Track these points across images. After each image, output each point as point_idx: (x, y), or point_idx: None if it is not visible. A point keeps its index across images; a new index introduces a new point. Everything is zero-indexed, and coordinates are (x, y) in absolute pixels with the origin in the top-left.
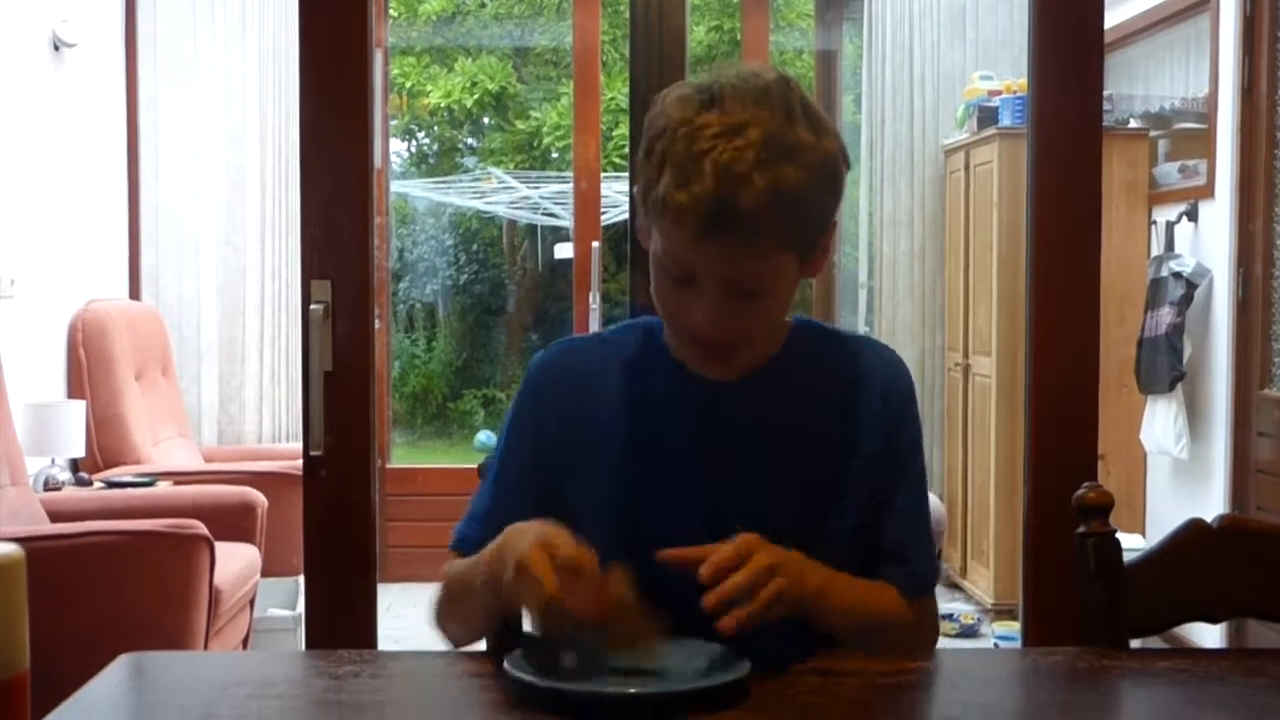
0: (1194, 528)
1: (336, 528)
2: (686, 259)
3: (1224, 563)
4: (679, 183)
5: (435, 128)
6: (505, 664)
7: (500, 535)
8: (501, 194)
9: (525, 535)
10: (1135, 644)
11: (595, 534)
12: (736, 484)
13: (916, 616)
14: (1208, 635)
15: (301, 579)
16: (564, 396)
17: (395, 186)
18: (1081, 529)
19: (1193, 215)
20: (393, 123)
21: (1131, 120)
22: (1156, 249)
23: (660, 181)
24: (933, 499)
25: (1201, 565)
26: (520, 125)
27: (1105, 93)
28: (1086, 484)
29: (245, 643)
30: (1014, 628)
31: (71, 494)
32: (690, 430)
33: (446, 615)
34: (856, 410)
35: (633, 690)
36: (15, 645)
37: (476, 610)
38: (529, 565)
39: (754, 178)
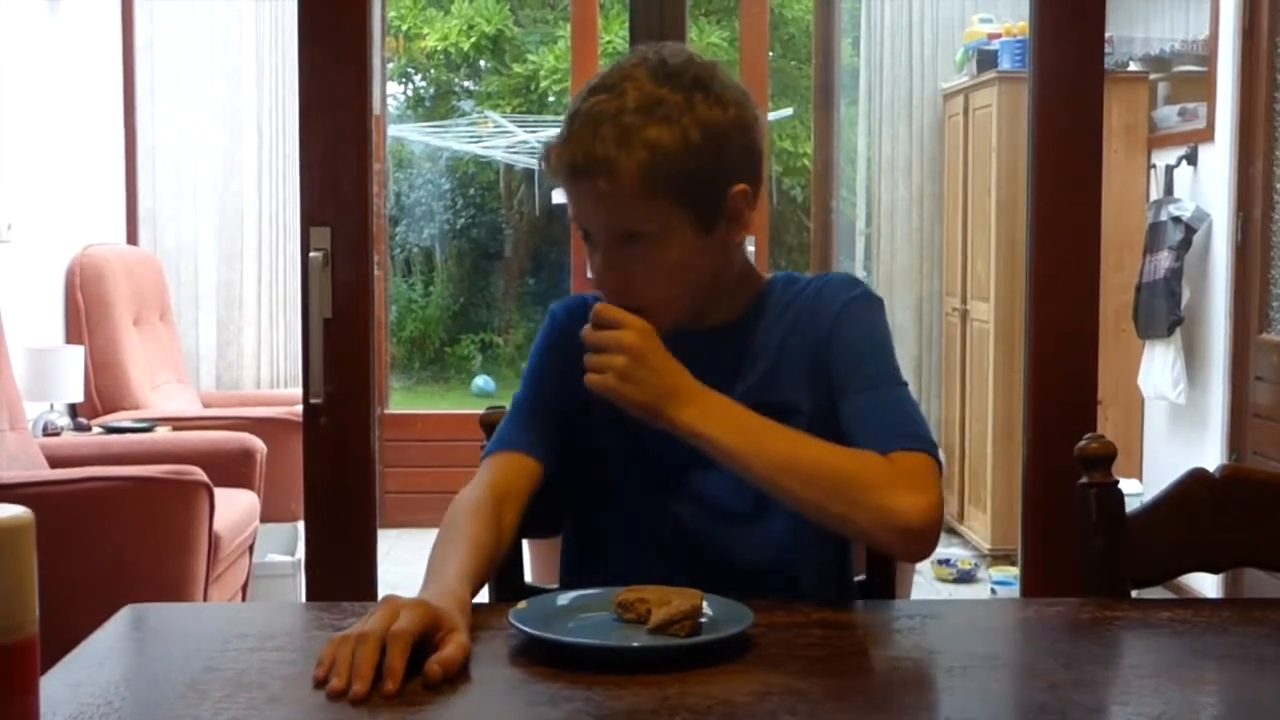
0: (1196, 477)
1: (337, 475)
2: (572, 211)
3: (1226, 512)
4: (558, 138)
5: (431, 71)
6: (509, 617)
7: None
8: (498, 138)
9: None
10: (1135, 594)
11: (607, 471)
12: None
13: (896, 466)
14: (1203, 583)
15: (300, 525)
16: (576, 339)
17: (391, 130)
18: (1084, 479)
19: (1192, 159)
20: (389, 65)
21: (1131, 63)
22: (1155, 193)
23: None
24: None
25: (1203, 515)
26: (517, 68)
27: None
28: (1089, 435)
29: (245, 589)
30: (1011, 573)
31: (70, 439)
32: None
33: None
34: (812, 333)
35: (636, 643)
36: (24, 608)
37: None
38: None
39: (614, 126)
